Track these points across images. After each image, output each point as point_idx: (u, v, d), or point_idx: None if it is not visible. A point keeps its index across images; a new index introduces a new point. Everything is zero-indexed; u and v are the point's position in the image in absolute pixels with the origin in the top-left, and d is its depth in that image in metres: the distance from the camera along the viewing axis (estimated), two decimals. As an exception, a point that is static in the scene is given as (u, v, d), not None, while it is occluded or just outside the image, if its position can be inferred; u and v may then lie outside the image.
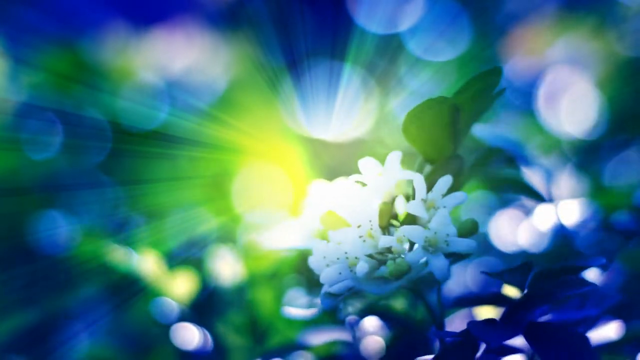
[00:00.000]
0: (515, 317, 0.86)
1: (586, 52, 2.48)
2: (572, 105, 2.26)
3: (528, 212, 1.53)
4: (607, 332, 1.05)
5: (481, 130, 1.04)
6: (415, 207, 0.84)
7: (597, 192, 1.42)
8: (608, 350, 1.04)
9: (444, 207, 0.85)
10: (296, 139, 2.54)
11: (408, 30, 2.87)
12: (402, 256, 0.84)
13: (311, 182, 1.36)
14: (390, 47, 2.83)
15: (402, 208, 0.91)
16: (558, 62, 2.52)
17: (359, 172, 0.89)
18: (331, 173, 1.37)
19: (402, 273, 0.82)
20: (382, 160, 0.89)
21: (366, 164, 0.88)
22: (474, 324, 0.83)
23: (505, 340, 0.81)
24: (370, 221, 0.85)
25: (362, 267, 0.83)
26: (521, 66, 2.54)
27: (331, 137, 2.52)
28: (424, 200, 0.85)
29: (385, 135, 2.54)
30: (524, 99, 2.34)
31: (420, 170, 0.91)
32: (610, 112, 2.15)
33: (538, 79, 2.41)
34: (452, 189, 0.86)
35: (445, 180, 0.86)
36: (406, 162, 0.91)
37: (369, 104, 2.68)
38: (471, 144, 1.05)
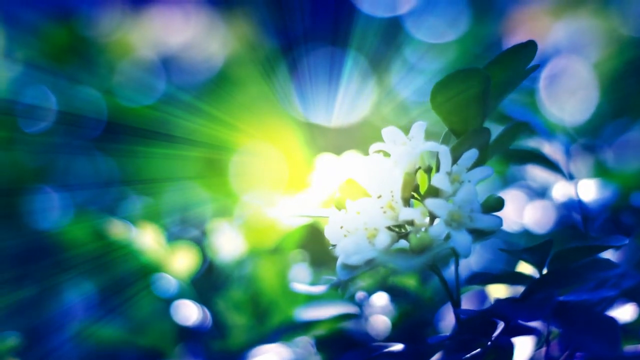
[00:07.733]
0: (537, 296, 0.83)
1: (588, 33, 2.45)
2: (575, 88, 2.24)
3: (537, 191, 1.51)
4: (622, 314, 1.03)
5: (507, 104, 1.01)
6: (440, 180, 0.81)
7: (608, 172, 1.40)
8: (623, 332, 1.02)
9: (469, 181, 0.82)
10: (294, 122, 2.51)
11: (407, 13, 2.84)
12: (424, 230, 0.80)
13: (315, 159, 1.33)
14: (390, 29, 2.79)
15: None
16: (560, 43, 2.50)
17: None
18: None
19: (424, 247, 0.79)
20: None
21: (390, 132, 0.85)
22: (500, 303, 0.80)
23: (535, 320, 0.78)
24: (391, 192, 0.81)
25: (382, 240, 0.79)
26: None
27: (330, 122, 2.49)
28: (449, 174, 0.82)
29: (385, 119, 2.52)
30: (527, 81, 2.31)
31: (444, 143, 0.88)
32: (614, 93, 2.13)
33: (540, 60, 2.38)
34: (477, 162, 0.83)
35: (471, 154, 0.82)
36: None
37: (368, 87, 2.65)
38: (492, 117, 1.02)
